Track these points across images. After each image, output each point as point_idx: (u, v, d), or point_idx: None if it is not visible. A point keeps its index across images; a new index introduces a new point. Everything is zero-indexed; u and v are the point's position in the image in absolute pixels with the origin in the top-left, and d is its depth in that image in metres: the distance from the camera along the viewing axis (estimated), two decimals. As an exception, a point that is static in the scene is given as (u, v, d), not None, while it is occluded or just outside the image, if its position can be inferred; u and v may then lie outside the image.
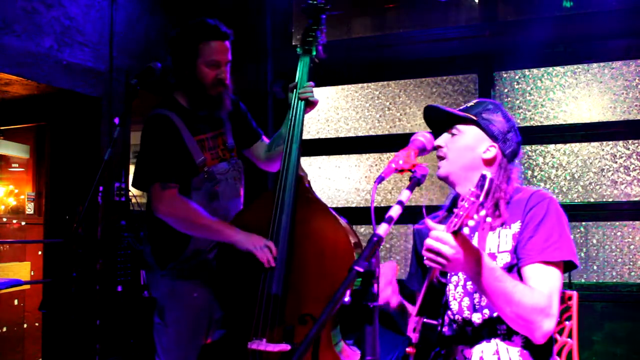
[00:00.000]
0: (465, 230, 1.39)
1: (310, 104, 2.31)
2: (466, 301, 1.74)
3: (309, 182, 2.22)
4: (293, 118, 2.27)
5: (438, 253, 1.42)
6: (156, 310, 2.38)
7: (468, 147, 1.77)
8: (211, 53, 2.32)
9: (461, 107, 1.84)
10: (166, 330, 2.34)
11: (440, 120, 1.85)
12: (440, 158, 1.81)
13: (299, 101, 2.28)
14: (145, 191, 2.37)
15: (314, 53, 2.34)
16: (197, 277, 2.36)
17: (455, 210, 1.42)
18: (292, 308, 2.06)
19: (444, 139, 1.81)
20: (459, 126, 1.79)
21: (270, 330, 2.04)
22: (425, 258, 1.46)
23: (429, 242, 1.44)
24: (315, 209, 2.14)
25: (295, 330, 2.02)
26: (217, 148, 2.42)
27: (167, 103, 2.39)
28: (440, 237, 1.42)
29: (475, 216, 1.38)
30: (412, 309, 1.78)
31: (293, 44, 4.39)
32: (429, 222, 1.51)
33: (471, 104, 1.85)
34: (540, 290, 1.57)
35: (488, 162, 1.77)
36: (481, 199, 1.38)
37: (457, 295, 1.76)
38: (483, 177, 1.40)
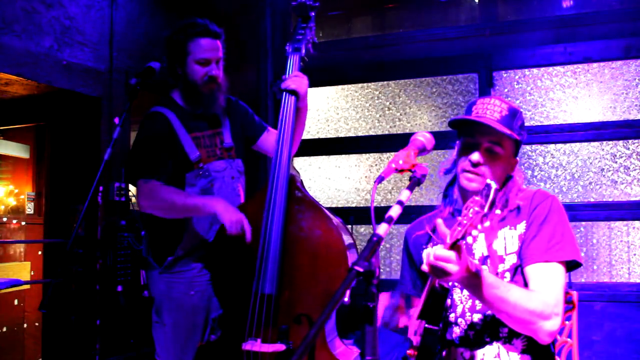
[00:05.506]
0: (469, 240, 1.38)
1: (295, 95, 2.20)
2: (469, 303, 1.74)
3: (301, 181, 2.19)
4: (281, 114, 2.21)
5: (442, 270, 1.41)
6: (154, 309, 2.40)
7: (505, 167, 1.78)
8: (200, 51, 2.36)
9: (498, 119, 1.73)
10: (163, 329, 2.36)
11: (470, 126, 1.77)
12: (475, 174, 1.72)
13: (284, 95, 2.21)
14: (134, 185, 2.41)
15: (304, 51, 2.29)
16: (195, 274, 2.36)
17: (459, 218, 1.40)
18: (287, 308, 2.05)
19: (483, 155, 1.73)
20: (501, 146, 1.74)
21: (265, 331, 2.03)
22: (427, 270, 1.45)
23: (432, 260, 1.42)
24: (307, 208, 2.12)
25: (290, 330, 2.01)
26: (214, 146, 2.43)
27: (164, 101, 2.44)
28: (443, 256, 1.40)
29: (479, 226, 1.37)
30: (413, 311, 1.78)
31: (293, 44, 4.39)
32: (439, 222, 1.50)
33: (505, 112, 1.75)
34: (539, 292, 1.58)
35: (509, 176, 1.81)
36: (486, 209, 1.37)
37: (463, 299, 1.76)
38: (488, 186, 1.39)
